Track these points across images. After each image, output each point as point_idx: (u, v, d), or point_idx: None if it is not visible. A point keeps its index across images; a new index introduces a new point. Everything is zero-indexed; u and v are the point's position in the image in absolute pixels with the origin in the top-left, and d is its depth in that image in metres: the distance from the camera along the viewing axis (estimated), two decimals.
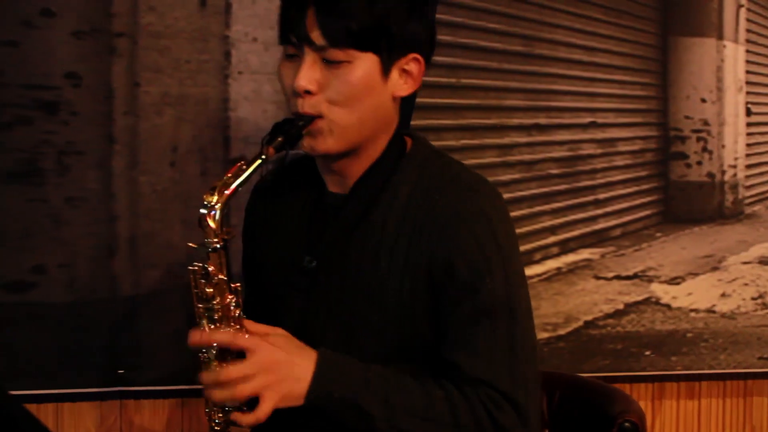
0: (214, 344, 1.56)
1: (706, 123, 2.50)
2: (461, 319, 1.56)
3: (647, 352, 2.47)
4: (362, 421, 1.54)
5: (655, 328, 2.47)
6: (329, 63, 1.56)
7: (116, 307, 2.20)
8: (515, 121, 2.38)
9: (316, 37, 1.54)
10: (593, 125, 2.42)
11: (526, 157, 2.39)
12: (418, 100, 2.27)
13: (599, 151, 2.43)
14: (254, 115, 2.23)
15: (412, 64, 1.61)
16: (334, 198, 1.68)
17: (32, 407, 2.19)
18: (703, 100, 2.50)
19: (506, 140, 2.37)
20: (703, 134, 2.50)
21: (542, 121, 2.39)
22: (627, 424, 1.68)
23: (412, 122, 2.13)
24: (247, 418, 1.54)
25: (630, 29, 2.43)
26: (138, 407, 2.27)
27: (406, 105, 2.20)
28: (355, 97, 1.57)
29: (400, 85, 1.61)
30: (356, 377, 1.54)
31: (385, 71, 1.59)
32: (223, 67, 2.22)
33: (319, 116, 1.57)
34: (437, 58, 2.27)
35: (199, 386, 2.19)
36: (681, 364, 2.49)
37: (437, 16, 2.14)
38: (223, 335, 1.55)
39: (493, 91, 2.34)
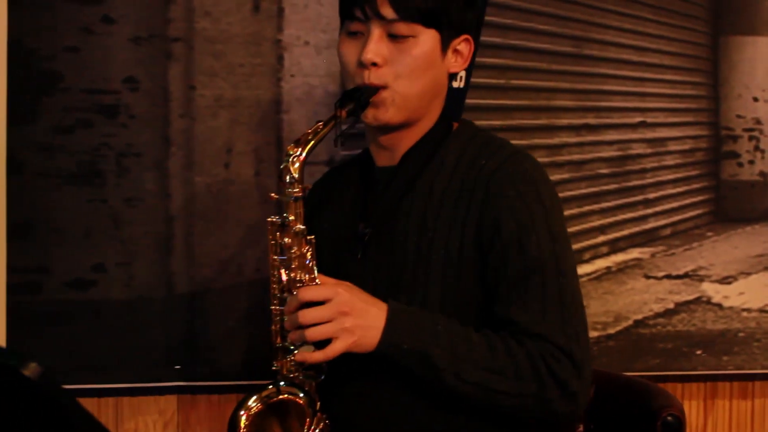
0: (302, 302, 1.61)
1: (758, 122, 2.49)
2: (511, 276, 1.63)
3: (698, 352, 2.46)
4: (430, 371, 1.60)
5: (707, 328, 2.46)
6: (395, 38, 1.68)
7: (173, 305, 2.25)
8: (565, 122, 2.39)
9: (387, 11, 1.67)
10: (643, 125, 2.42)
11: (576, 157, 2.39)
12: (468, 101, 2.29)
13: (649, 150, 2.43)
14: (306, 117, 2.27)
15: (464, 44, 1.75)
16: (383, 172, 1.78)
17: (93, 401, 2.26)
18: (755, 99, 2.48)
19: (556, 140, 2.38)
20: (755, 133, 2.49)
21: (592, 121, 2.40)
22: (670, 418, 1.69)
23: None
24: (316, 356, 1.60)
25: (680, 28, 2.43)
26: (194, 402, 2.32)
27: (457, 101, 2.26)
28: (418, 69, 1.69)
29: (452, 63, 1.74)
30: (425, 329, 1.61)
31: (444, 48, 1.72)
32: (275, 71, 2.26)
33: (385, 87, 1.68)
34: (487, 60, 2.32)
35: (254, 381, 2.27)
36: (733, 364, 2.47)
37: (486, 18, 2.18)
38: (293, 299, 1.62)
39: (542, 92, 2.36)
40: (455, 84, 2.28)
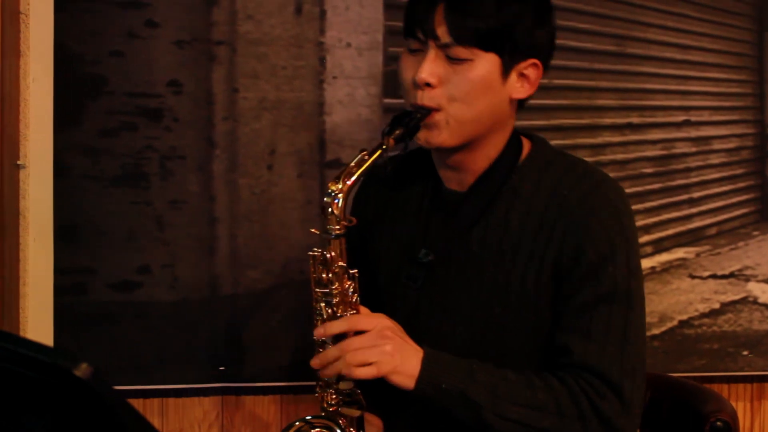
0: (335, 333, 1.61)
1: None
2: (580, 304, 1.60)
3: (745, 352, 2.43)
4: (470, 410, 1.58)
5: (753, 328, 2.43)
6: (452, 60, 1.62)
7: (217, 306, 2.26)
8: (608, 121, 2.37)
9: (443, 34, 1.61)
10: (687, 123, 2.40)
11: (619, 156, 2.38)
12: None
13: (694, 149, 2.40)
14: (348, 119, 2.27)
15: (531, 69, 1.67)
16: (451, 195, 1.73)
17: (138, 402, 2.28)
18: None
19: (599, 140, 2.37)
20: None
21: (635, 120, 2.38)
22: (719, 423, 1.66)
23: None
24: (361, 371, 1.57)
25: (724, 25, 2.40)
26: (238, 403, 2.33)
27: None
28: (473, 94, 1.62)
29: (517, 88, 1.67)
30: (462, 369, 1.59)
31: (505, 73, 1.64)
32: (318, 73, 2.27)
33: (437, 109, 1.63)
34: None
35: (298, 383, 2.28)
36: None
37: None
38: (342, 323, 1.61)
39: (585, 91, 2.34)
40: None
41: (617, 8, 2.34)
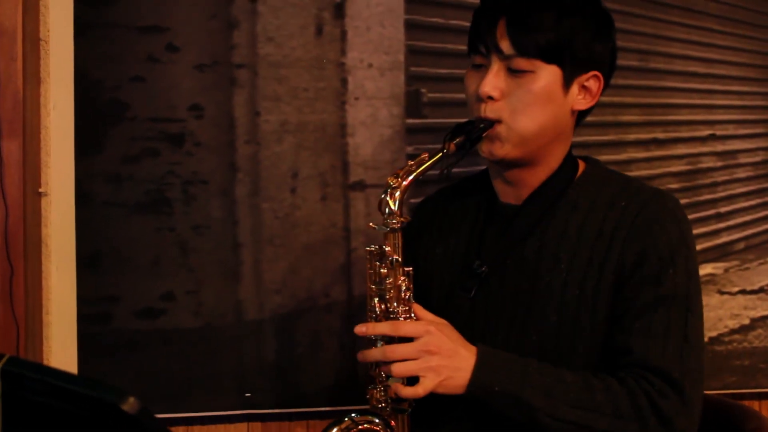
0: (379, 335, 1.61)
1: None
2: (640, 306, 1.61)
3: None
4: (524, 413, 1.58)
5: None
6: (514, 72, 1.65)
7: (242, 332, 2.25)
8: (632, 137, 2.35)
9: (505, 46, 1.64)
10: (712, 138, 2.38)
11: (645, 172, 2.36)
12: None
13: (719, 163, 2.39)
14: (371, 140, 2.26)
15: (592, 81, 1.70)
16: (505, 208, 1.75)
17: None
18: None
19: (624, 156, 2.35)
20: None
21: (660, 135, 2.36)
22: None
23: None
24: (406, 391, 1.59)
25: (747, 38, 2.39)
26: (265, 429, 2.31)
27: None
28: (535, 105, 1.65)
29: (578, 99, 1.70)
30: (516, 371, 1.59)
31: (566, 85, 1.67)
32: (339, 94, 2.26)
33: (499, 121, 1.65)
34: None
35: (322, 408, 2.25)
36: None
37: None
38: (386, 326, 1.61)
39: (609, 107, 2.33)
40: None
41: (640, 23, 2.33)
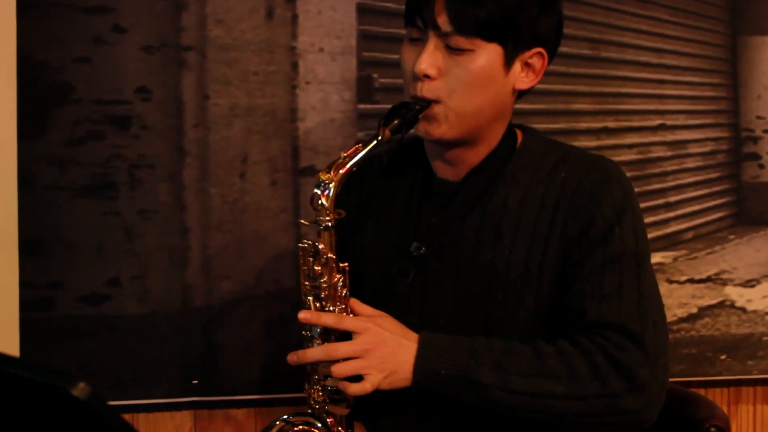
0: (320, 326, 1.57)
1: None
2: (590, 269, 1.57)
3: (722, 357, 2.43)
4: (476, 391, 1.52)
5: (731, 332, 2.43)
6: (452, 50, 1.57)
7: (189, 319, 2.21)
8: (583, 125, 2.36)
9: (443, 22, 1.55)
10: (663, 127, 2.40)
11: None
12: None
13: (669, 153, 2.40)
14: (322, 125, 2.24)
15: (536, 58, 1.62)
16: (444, 185, 1.68)
17: None
18: None
19: (575, 144, 2.35)
20: None
21: (611, 124, 2.37)
22: (713, 429, 1.65)
23: None
24: (354, 387, 1.54)
25: (698, 29, 2.40)
26: (212, 417, 2.28)
27: None
28: (474, 85, 1.57)
29: (521, 78, 1.62)
30: (462, 350, 1.54)
31: (508, 63, 1.59)
32: (290, 78, 2.23)
33: (437, 101, 1.58)
34: None
35: (271, 395, 2.23)
36: (757, 369, 2.44)
37: None
38: (330, 317, 1.56)
39: (560, 96, 2.33)
40: None
41: (592, 12, 2.33)
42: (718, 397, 2.46)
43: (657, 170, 2.40)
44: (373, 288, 1.69)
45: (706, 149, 2.43)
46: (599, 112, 2.36)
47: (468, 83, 1.57)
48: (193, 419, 2.28)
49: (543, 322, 1.60)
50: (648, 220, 2.37)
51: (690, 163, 2.41)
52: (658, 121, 2.39)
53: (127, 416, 2.24)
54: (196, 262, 2.21)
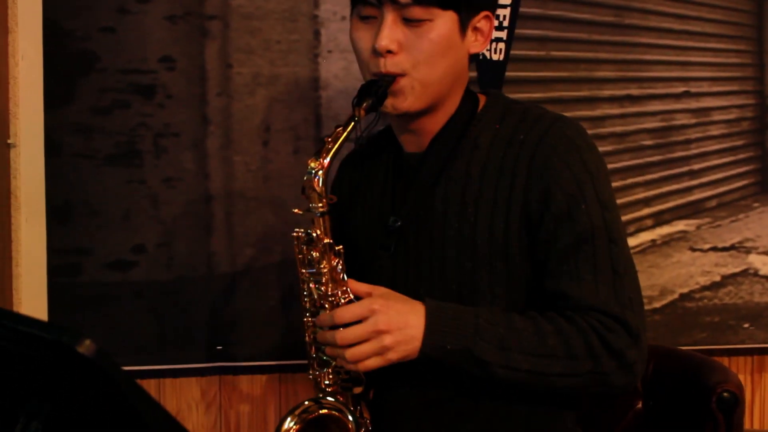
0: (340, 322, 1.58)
1: None
2: (561, 249, 1.59)
3: (746, 325, 2.42)
4: (479, 367, 1.57)
5: (754, 300, 2.42)
6: (409, 22, 1.59)
7: (214, 285, 2.24)
8: (606, 93, 2.35)
9: None
10: (687, 95, 2.38)
11: (618, 128, 2.36)
12: (509, 73, 2.25)
13: (693, 120, 2.38)
14: (344, 93, 2.24)
15: (484, 21, 1.66)
16: (411, 158, 1.71)
17: None
18: None
19: (598, 112, 2.35)
20: None
21: (634, 92, 2.36)
22: (726, 394, 1.65)
23: None
24: (371, 361, 1.57)
25: None
26: (236, 382, 2.31)
27: (497, 74, 2.19)
28: (437, 54, 1.60)
29: (473, 42, 1.66)
30: (467, 325, 1.56)
31: (463, 29, 1.63)
32: (312, 47, 2.24)
33: (402, 74, 1.60)
34: (527, 31, 2.28)
35: (295, 361, 2.25)
36: None
37: None
38: (327, 317, 1.59)
39: (583, 63, 2.32)
40: (495, 57, 2.25)
41: None
42: (741, 366, 2.46)
43: (681, 138, 2.38)
44: (362, 267, 1.71)
45: (731, 116, 2.41)
46: (622, 80, 2.34)
47: (431, 53, 1.60)
48: (218, 384, 2.30)
49: (518, 286, 1.63)
50: (671, 188, 2.37)
51: (714, 131, 2.40)
52: (682, 89, 2.37)
53: (153, 381, 2.27)
54: (220, 230, 2.23)
